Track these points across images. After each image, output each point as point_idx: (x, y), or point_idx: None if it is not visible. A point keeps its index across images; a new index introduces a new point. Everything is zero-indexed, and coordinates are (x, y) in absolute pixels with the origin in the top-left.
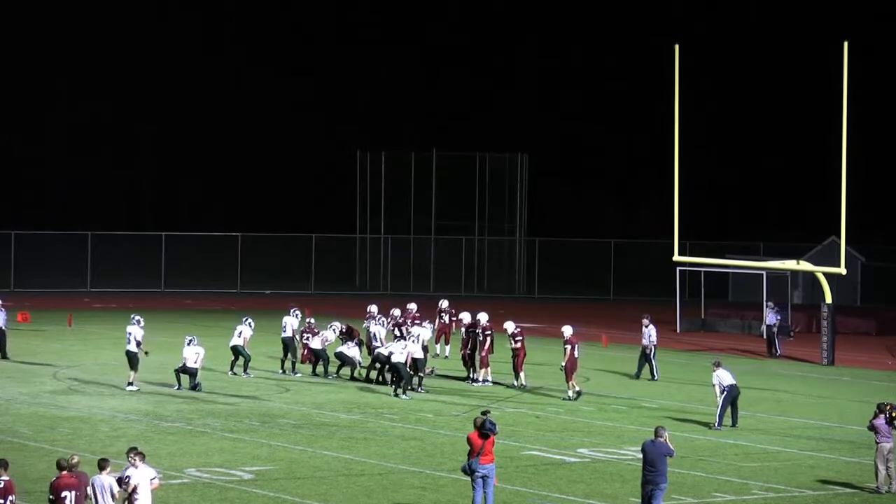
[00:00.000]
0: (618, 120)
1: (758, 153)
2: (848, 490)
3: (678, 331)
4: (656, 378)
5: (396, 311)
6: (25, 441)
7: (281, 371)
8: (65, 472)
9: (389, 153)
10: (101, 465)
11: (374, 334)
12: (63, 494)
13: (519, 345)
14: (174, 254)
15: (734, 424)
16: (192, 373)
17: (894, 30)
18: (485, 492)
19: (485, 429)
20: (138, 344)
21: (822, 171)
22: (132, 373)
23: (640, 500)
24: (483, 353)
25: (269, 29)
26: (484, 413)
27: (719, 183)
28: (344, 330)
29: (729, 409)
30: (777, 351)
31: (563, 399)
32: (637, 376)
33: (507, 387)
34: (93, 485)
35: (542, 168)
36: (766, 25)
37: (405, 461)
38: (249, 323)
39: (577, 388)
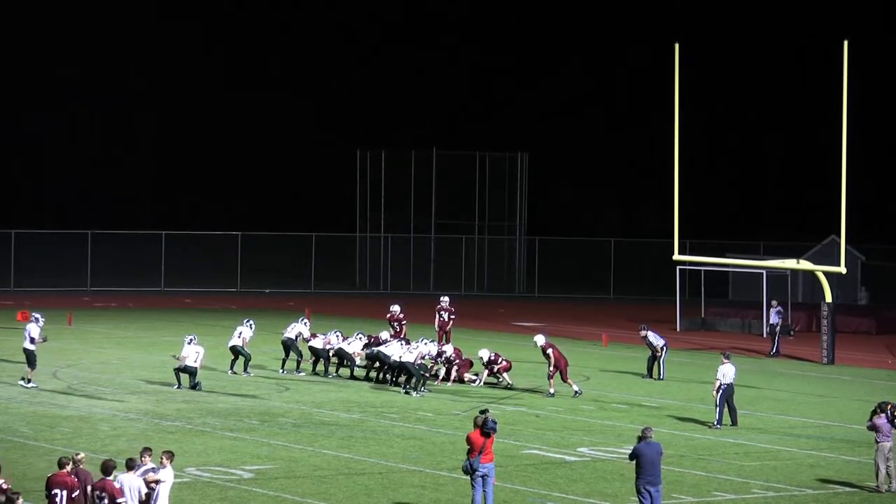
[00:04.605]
0: (618, 119)
1: (758, 152)
2: (848, 489)
3: (678, 330)
4: (661, 378)
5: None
6: (25, 440)
7: (282, 371)
8: (63, 471)
9: (389, 152)
10: (129, 464)
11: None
12: (54, 492)
13: (503, 365)
14: (174, 253)
15: (734, 423)
16: (191, 372)
17: (894, 29)
18: (484, 491)
19: (487, 427)
20: (32, 340)
21: (823, 170)
22: (29, 370)
23: (637, 501)
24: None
25: (270, 28)
26: (483, 412)
27: (720, 182)
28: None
29: (726, 408)
30: (777, 350)
31: (573, 397)
32: (649, 376)
33: (506, 388)
34: (121, 483)
35: (542, 168)
36: (767, 24)
37: (405, 460)
38: (250, 324)
39: (575, 388)
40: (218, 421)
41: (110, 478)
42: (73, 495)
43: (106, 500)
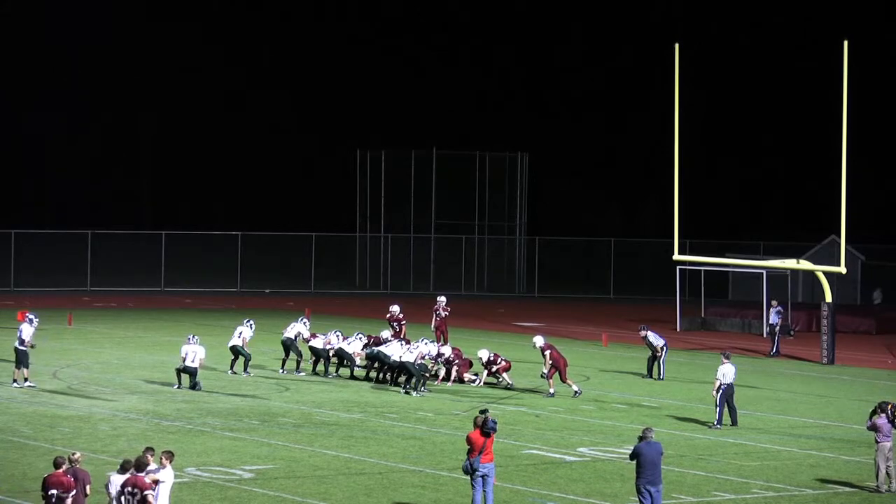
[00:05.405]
0: (618, 119)
1: (758, 152)
2: (848, 489)
3: (678, 330)
4: (661, 378)
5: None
6: (25, 440)
7: (282, 371)
8: (58, 471)
9: (390, 152)
10: (125, 466)
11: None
12: (51, 492)
13: (502, 366)
14: (174, 253)
15: (734, 423)
16: (191, 372)
17: (894, 29)
18: (484, 491)
19: (487, 427)
20: (22, 342)
21: (823, 169)
22: (25, 370)
23: (637, 500)
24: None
25: (270, 27)
26: (483, 412)
27: (720, 182)
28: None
29: (726, 408)
30: (777, 350)
31: (572, 397)
32: (649, 376)
33: (505, 388)
34: (113, 484)
35: (542, 168)
36: (768, 24)
37: (405, 460)
38: (250, 324)
39: (575, 388)
40: (218, 421)
41: (141, 474)
42: (70, 495)
43: (138, 496)
